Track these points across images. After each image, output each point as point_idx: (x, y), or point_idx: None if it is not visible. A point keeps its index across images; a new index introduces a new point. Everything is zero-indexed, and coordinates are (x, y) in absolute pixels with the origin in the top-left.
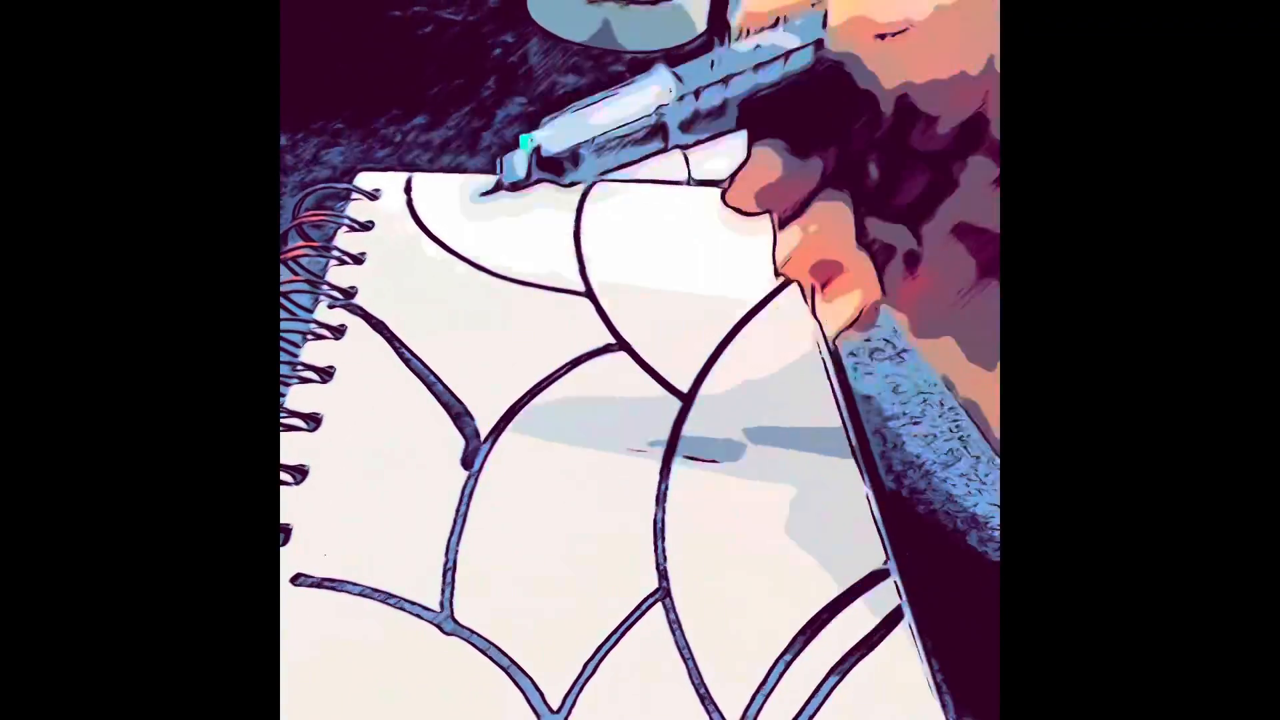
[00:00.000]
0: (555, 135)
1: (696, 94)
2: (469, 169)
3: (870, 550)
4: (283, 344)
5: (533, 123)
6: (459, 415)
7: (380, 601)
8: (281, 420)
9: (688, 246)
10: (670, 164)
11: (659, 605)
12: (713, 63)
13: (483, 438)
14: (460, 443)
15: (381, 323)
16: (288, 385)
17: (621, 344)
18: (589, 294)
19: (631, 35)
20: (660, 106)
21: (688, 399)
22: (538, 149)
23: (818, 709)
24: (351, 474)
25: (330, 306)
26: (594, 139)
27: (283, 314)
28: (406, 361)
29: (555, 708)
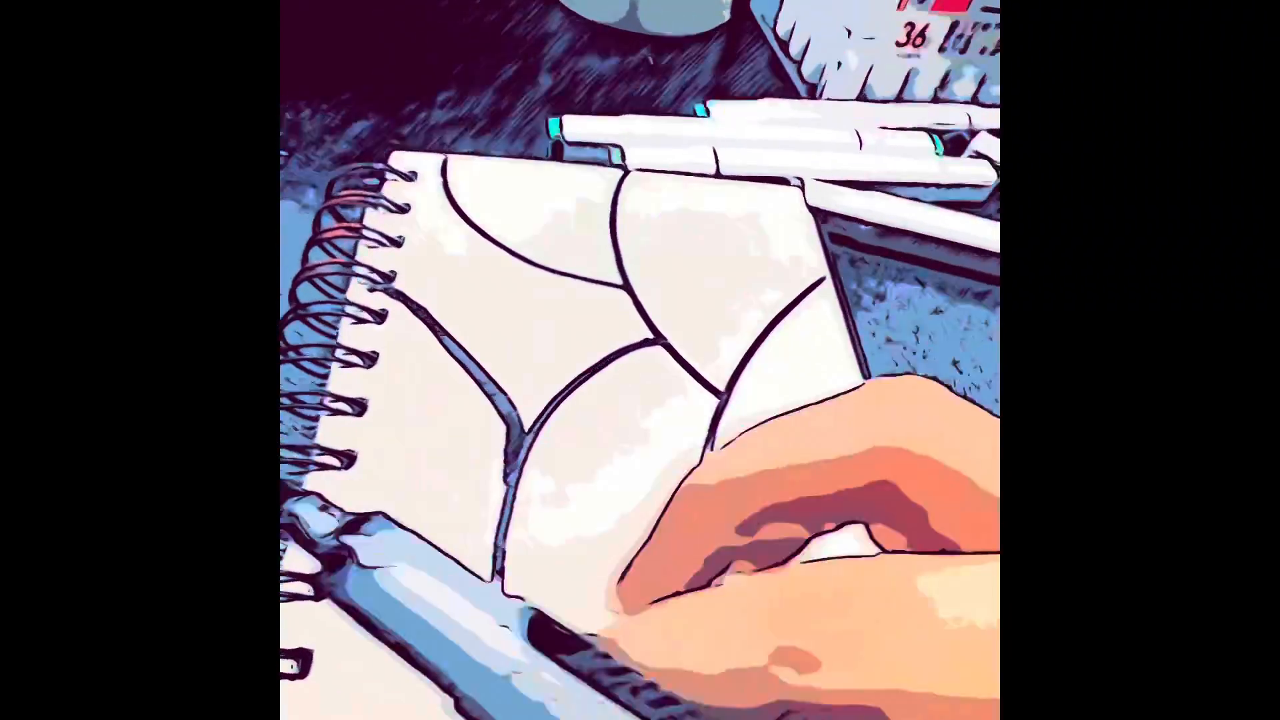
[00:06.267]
0: None
1: None
2: (495, 152)
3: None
4: (321, 326)
5: (559, 105)
6: (501, 405)
7: None
8: (327, 404)
9: (724, 241)
10: (699, 157)
11: None
12: None
13: (526, 428)
14: (502, 430)
15: (423, 308)
16: (326, 367)
17: (659, 339)
18: (626, 287)
19: (656, 19)
20: None
21: (725, 395)
22: None
23: None
24: (398, 460)
25: (370, 290)
26: None
27: (320, 296)
28: (448, 348)
29: None
